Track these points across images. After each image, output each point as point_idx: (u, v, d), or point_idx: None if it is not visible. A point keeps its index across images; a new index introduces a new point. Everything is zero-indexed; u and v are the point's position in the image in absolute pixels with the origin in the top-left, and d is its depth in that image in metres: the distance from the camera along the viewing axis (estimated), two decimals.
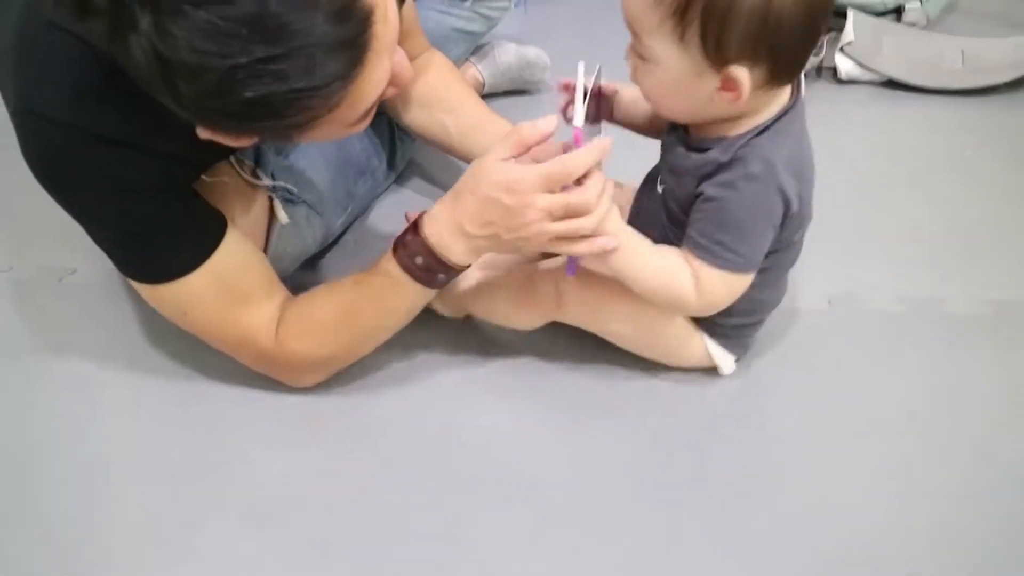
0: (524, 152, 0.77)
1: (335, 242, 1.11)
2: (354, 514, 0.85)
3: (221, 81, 0.61)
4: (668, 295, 0.82)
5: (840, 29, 1.40)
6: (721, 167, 0.77)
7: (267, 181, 0.95)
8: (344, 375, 0.94)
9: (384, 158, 1.15)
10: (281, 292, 0.90)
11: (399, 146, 1.17)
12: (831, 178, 1.20)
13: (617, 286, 0.84)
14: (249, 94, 0.62)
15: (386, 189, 1.20)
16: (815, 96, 1.39)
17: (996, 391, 0.94)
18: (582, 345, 0.96)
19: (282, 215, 0.94)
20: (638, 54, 0.76)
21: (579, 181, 0.76)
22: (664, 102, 0.79)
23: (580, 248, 0.78)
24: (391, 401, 0.95)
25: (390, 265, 0.82)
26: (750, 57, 0.71)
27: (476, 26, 1.23)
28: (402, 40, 0.73)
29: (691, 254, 0.80)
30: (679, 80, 0.74)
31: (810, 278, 1.07)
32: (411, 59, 0.81)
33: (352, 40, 0.65)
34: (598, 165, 0.77)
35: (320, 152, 1.04)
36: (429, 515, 0.85)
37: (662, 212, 0.86)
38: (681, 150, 0.81)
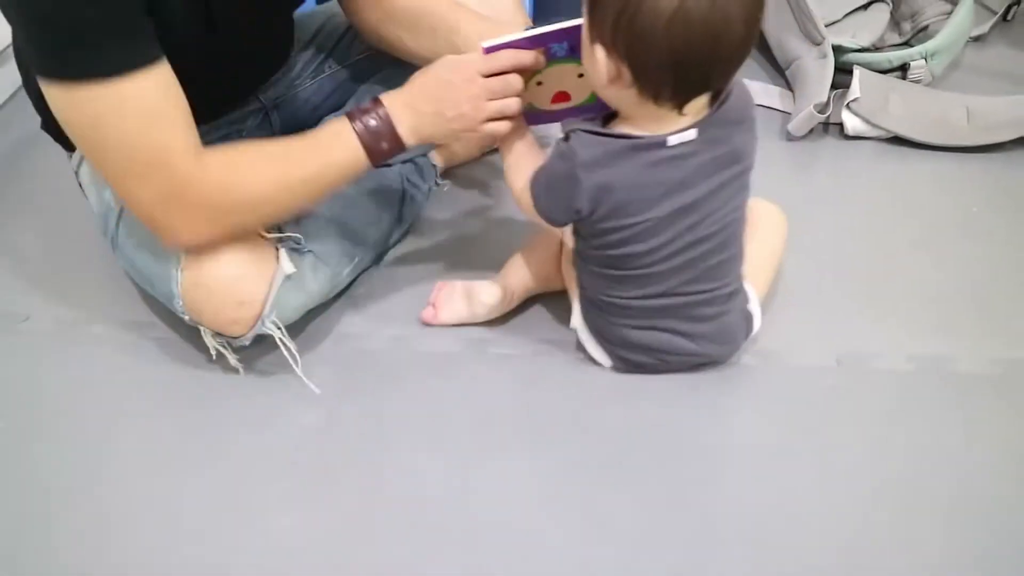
0: None
1: (342, 293, 1.12)
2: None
3: None
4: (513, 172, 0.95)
5: (847, 86, 1.41)
6: (562, 139, 0.89)
7: (275, 232, 0.96)
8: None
9: (394, 211, 1.16)
10: (198, 139, 0.87)
11: (408, 200, 1.18)
12: (839, 235, 1.22)
13: None
14: None
15: (397, 242, 1.20)
16: (821, 152, 1.40)
17: (1003, 455, 0.93)
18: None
19: (287, 265, 0.95)
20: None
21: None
22: (598, 91, 0.88)
23: (502, 127, 0.92)
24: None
25: (341, 124, 0.91)
26: (610, 44, 0.79)
27: None
28: None
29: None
30: (584, 63, 0.85)
31: (818, 336, 1.07)
32: None
33: None
34: None
35: (329, 203, 1.05)
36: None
37: None
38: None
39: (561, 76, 0.93)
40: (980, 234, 1.23)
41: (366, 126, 0.91)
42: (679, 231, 0.89)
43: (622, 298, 0.94)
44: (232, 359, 1.01)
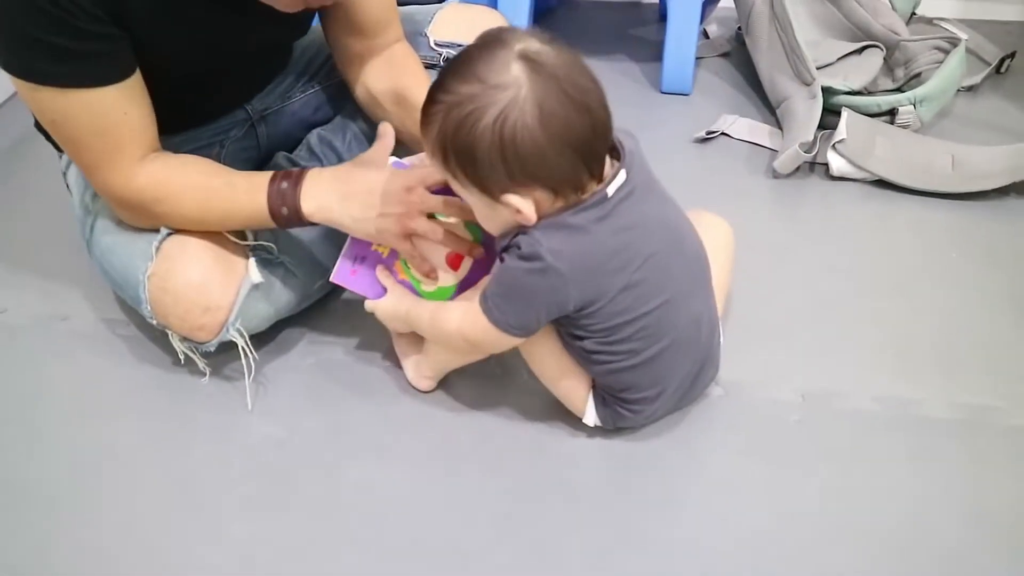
0: None
1: (316, 305, 1.12)
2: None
3: None
4: (437, 327, 0.93)
5: (835, 127, 1.42)
6: (504, 249, 0.85)
7: (249, 239, 0.98)
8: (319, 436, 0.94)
9: None
10: (154, 141, 0.95)
11: None
12: (818, 273, 1.22)
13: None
14: None
15: None
16: (806, 191, 1.41)
17: (960, 500, 0.93)
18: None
19: (255, 274, 0.96)
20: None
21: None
22: (486, 226, 0.88)
23: (408, 249, 0.93)
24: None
25: (262, 178, 0.94)
26: (513, 184, 0.79)
27: None
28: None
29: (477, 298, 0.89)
30: (483, 212, 0.85)
31: (786, 371, 1.07)
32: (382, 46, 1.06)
33: None
34: None
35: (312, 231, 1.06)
36: None
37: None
38: None
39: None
40: (954, 281, 1.23)
41: (278, 188, 0.93)
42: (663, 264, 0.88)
43: (622, 355, 0.90)
44: (200, 363, 1.02)
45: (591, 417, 0.96)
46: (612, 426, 0.97)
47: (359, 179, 0.93)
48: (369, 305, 0.98)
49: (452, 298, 0.97)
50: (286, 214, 0.93)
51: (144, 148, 0.93)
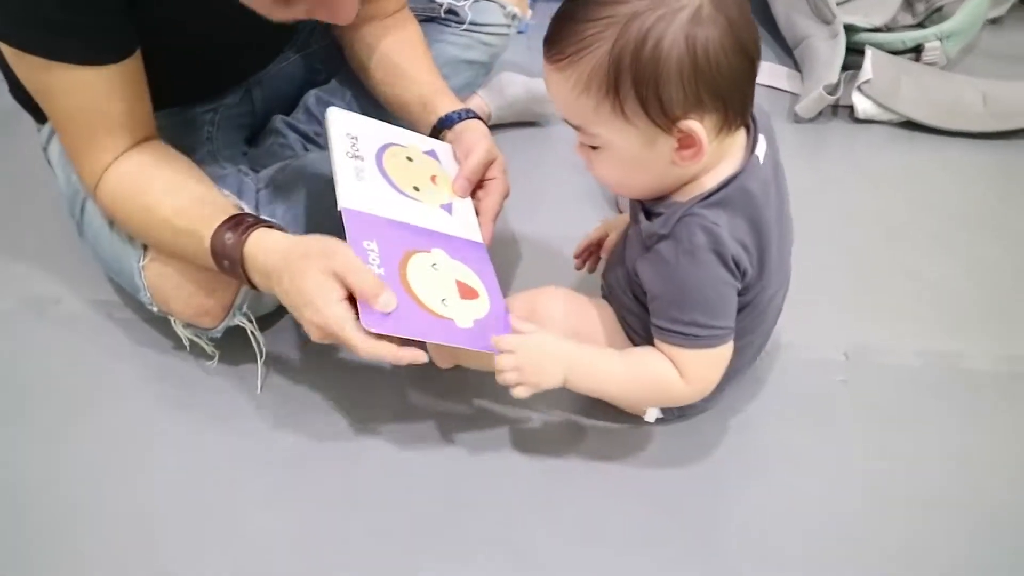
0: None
1: None
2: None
3: None
4: (654, 393, 0.80)
5: (857, 67, 1.35)
6: (660, 239, 0.74)
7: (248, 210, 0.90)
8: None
9: None
10: (138, 134, 0.87)
11: None
12: (847, 223, 1.17)
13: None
14: None
15: None
16: (830, 136, 1.34)
17: (1010, 455, 0.89)
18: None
19: None
20: (588, 145, 0.74)
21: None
22: (627, 182, 0.76)
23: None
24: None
25: (207, 231, 0.82)
26: (696, 106, 0.68)
27: (476, 54, 1.17)
28: None
29: (662, 342, 0.77)
30: (635, 155, 0.72)
31: (824, 328, 1.02)
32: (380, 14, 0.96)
33: None
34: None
35: (316, 186, 0.99)
36: None
37: (620, 268, 0.83)
38: (638, 211, 0.79)
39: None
40: (993, 227, 1.17)
41: (223, 260, 0.82)
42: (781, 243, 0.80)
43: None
44: (207, 348, 0.96)
45: (653, 413, 0.89)
46: (676, 415, 0.91)
47: (293, 266, 0.78)
48: (502, 341, 0.79)
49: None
50: (228, 267, 0.82)
51: (123, 144, 0.86)
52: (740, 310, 0.78)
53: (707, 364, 0.77)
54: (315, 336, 0.78)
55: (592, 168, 0.76)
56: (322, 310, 0.75)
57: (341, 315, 0.75)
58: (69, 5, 0.76)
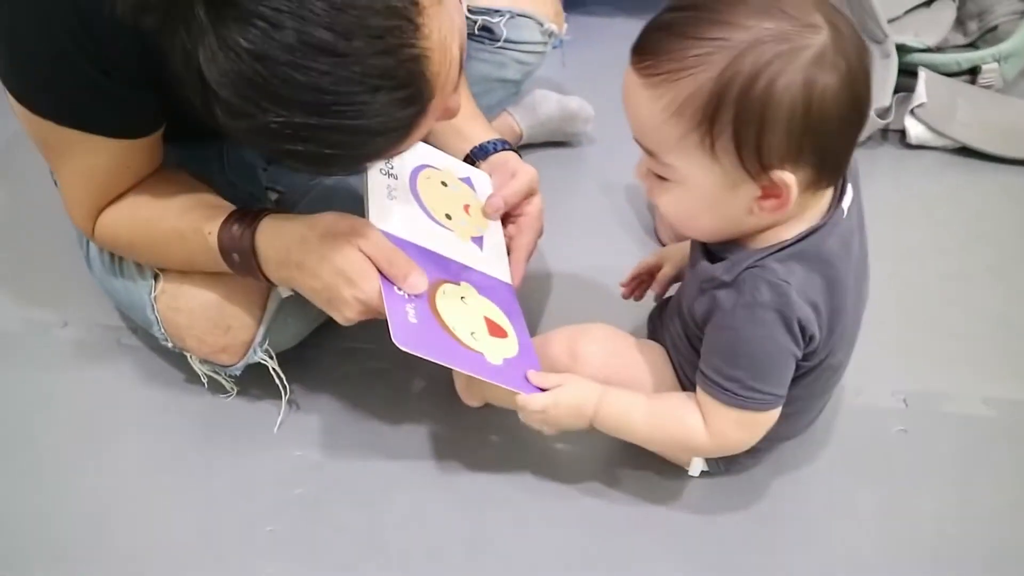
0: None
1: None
2: None
3: (261, 128, 0.60)
4: (675, 439, 0.75)
5: (909, 89, 1.28)
6: (722, 285, 0.67)
7: None
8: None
9: None
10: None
11: None
12: (900, 255, 1.09)
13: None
14: (287, 146, 0.61)
15: None
16: (880, 162, 1.27)
17: None
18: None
19: (283, 288, 0.82)
20: (656, 174, 0.66)
21: None
22: (693, 222, 0.69)
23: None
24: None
25: (213, 226, 0.77)
26: (794, 158, 0.61)
27: (509, 73, 1.11)
28: None
29: (701, 388, 0.70)
30: (711, 195, 0.65)
31: (879, 372, 0.95)
32: None
33: (407, 122, 0.63)
34: None
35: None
36: None
37: (676, 318, 0.77)
38: (698, 252, 0.72)
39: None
40: None
41: (231, 258, 0.77)
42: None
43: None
44: (226, 383, 0.91)
45: (698, 467, 0.81)
46: (722, 470, 0.84)
47: (322, 249, 0.74)
48: (528, 402, 0.74)
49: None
50: (237, 263, 0.78)
51: (110, 198, 0.82)
52: (799, 376, 0.71)
53: (739, 425, 0.71)
54: (353, 314, 0.75)
55: (655, 198, 0.69)
56: (362, 285, 0.73)
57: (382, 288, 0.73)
58: (93, 93, 0.72)
